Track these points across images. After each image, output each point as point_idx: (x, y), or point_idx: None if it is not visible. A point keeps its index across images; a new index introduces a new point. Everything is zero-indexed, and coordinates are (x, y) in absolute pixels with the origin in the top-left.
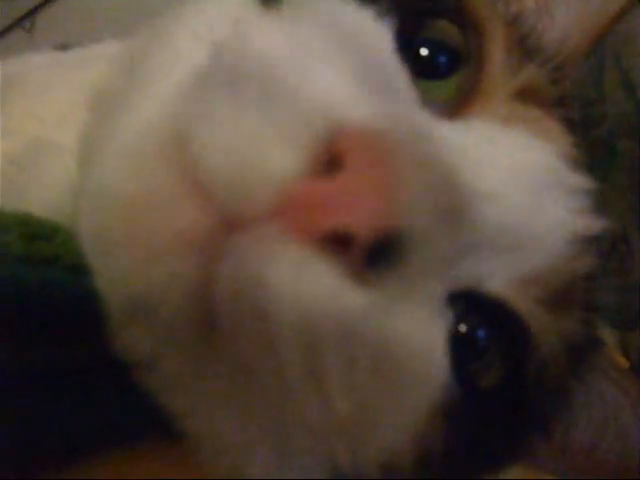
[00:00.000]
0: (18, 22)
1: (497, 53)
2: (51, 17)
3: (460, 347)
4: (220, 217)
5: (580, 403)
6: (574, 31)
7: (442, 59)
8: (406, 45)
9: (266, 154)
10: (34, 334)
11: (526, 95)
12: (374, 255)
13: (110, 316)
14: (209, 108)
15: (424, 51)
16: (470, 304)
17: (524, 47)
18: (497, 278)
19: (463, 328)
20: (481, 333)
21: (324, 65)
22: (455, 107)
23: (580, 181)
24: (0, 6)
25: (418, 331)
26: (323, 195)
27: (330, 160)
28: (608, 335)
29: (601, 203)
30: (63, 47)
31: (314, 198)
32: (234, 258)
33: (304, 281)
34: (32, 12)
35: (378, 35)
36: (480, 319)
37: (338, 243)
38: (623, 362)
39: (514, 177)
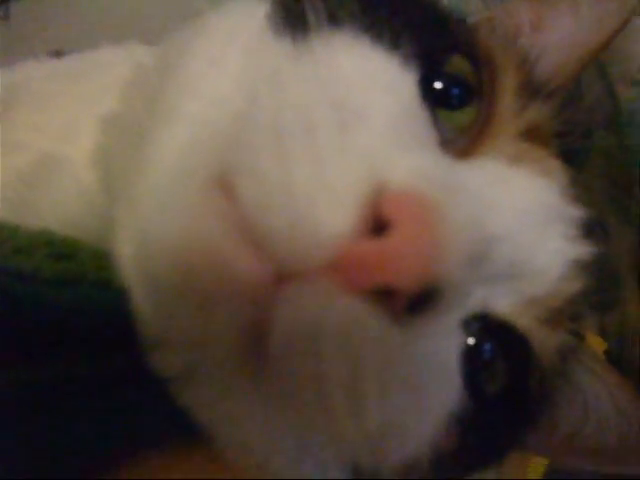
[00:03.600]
0: None
1: (509, 91)
2: (26, 4)
3: (470, 359)
4: (274, 269)
5: (562, 392)
6: (567, 55)
7: (455, 91)
8: (424, 80)
9: (319, 213)
10: (69, 351)
11: (530, 133)
12: (415, 303)
13: (147, 338)
14: (255, 156)
15: (438, 84)
16: (480, 325)
17: (530, 85)
18: (504, 303)
19: (471, 341)
20: (487, 346)
21: (361, 118)
22: (466, 146)
23: (576, 212)
24: None
25: (439, 353)
26: (372, 254)
27: (377, 219)
28: (587, 317)
29: (581, 192)
30: (58, 54)
31: (364, 256)
32: (291, 304)
33: (353, 325)
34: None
35: (404, 83)
36: (489, 338)
37: (384, 294)
38: (601, 343)
39: (522, 216)
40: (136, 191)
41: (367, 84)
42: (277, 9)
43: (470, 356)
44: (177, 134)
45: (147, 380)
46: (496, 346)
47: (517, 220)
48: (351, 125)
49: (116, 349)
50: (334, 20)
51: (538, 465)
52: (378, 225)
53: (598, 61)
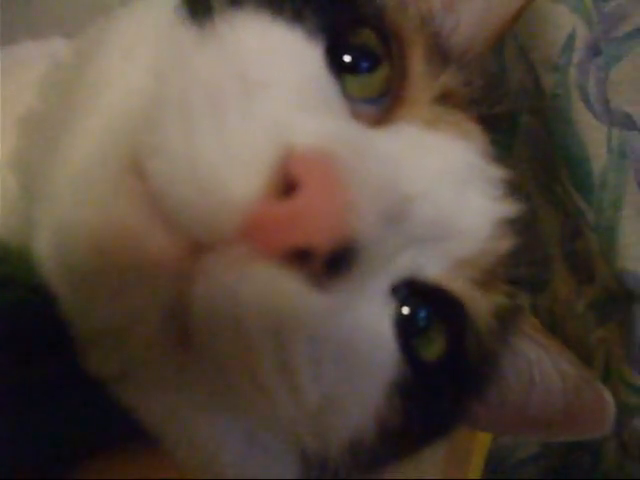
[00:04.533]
0: None
1: (418, 61)
2: None
3: (405, 327)
4: (187, 242)
5: (507, 364)
6: (479, 30)
7: (363, 63)
8: (332, 53)
9: (226, 181)
10: (5, 355)
11: (445, 99)
12: (331, 263)
13: (78, 337)
14: (163, 135)
15: (347, 58)
16: (411, 291)
17: (439, 52)
18: (432, 266)
19: (406, 310)
20: (422, 313)
21: (266, 88)
22: (381, 115)
23: (497, 172)
24: None
25: (369, 321)
26: (282, 215)
27: (286, 182)
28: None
29: (502, 154)
30: None
31: (274, 219)
32: (207, 278)
33: (272, 292)
34: None
35: (309, 54)
36: (421, 302)
37: (299, 257)
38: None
39: (440, 176)
40: (52, 186)
41: (270, 56)
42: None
43: (405, 324)
44: (91, 125)
45: (86, 383)
46: (430, 312)
47: (434, 180)
48: (255, 95)
49: (53, 353)
50: (236, 3)
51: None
52: (287, 188)
53: (521, 47)
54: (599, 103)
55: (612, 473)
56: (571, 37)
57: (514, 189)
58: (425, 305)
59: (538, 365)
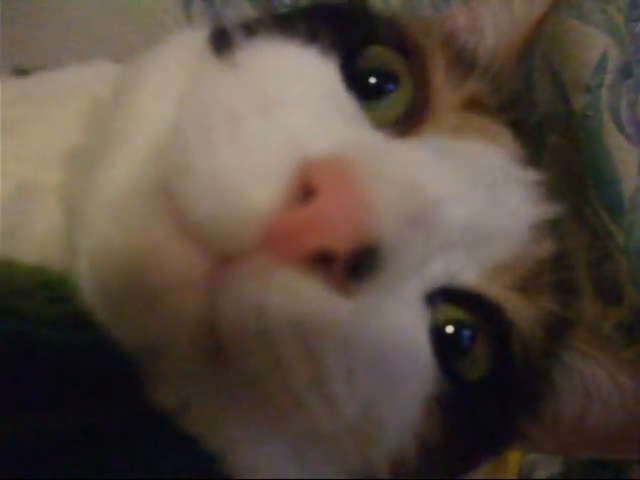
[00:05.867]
0: None
1: (438, 71)
2: None
3: (447, 346)
4: (213, 256)
5: (560, 379)
6: (503, 40)
7: (383, 82)
8: (352, 74)
9: (246, 192)
10: (81, 401)
11: (471, 106)
12: (355, 267)
13: (140, 371)
14: (188, 155)
15: (372, 80)
16: (447, 298)
17: (462, 63)
18: (469, 272)
19: (450, 329)
20: (466, 332)
21: (283, 105)
22: (407, 126)
23: (531, 175)
24: None
25: (402, 329)
26: (301, 221)
27: (303, 189)
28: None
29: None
30: (21, 72)
31: (294, 225)
32: (232, 290)
33: (296, 299)
34: None
35: (324, 69)
36: (460, 311)
37: (322, 262)
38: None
39: (471, 181)
40: (88, 214)
41: (286, 73)
42: (211, 35)
43: (447, 343)
44: (124, 155)
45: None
46: (473, 326)
47: (464, 185)
48: (272, 110)
49: (122, 394)
50: (252, 33)
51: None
52: (306, 195)
53: (551, 67)
54: (631, 125)
55: None
56: (603, 58)
57: (551, 191)
58: (466, 316)
59: (593, 379)
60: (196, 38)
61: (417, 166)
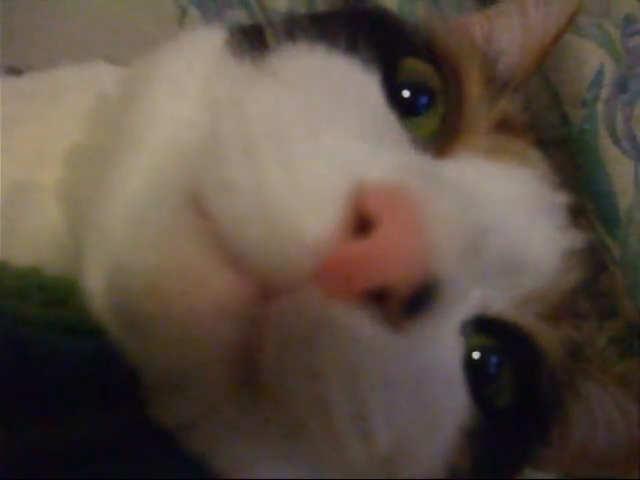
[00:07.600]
0: None
1: (473, 86)
2: None
3: (477, 373)
4: (257, 285)
5: (571, 402)
6: (522, 56)
7: (423, 100)
8: (391, 89)
9: (298, 219)
10: (72, 407)
11: (503, 126)
12: (411, 304)
13: (144, 384)
14: (228, 172)
15: (406, 93)
16: (480, 327)
17: (496, 79)
18: (501, 301)
19: (477, 355)
20: (493, 359)
21: (331, 122)
22: (441, 144)
23: (561, 199)
24: None
25: (441, 361)
26: (360, 255)
27: (360, 219)
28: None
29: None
30: (15, 71)
31: (351, 259)
32: (279, 323)
33: (349, 337)
34: None
35: (369, 84)
36: (491, 341)
37: (377, 298)
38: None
39: (509, 207)
40: (103, 220)
41: (331, 87)
42: (235, 34)
43: (476, 370)
44: (143, 158)
45: (155, 433)
46: (500, 353)
47: (504, 211)
48: (320, 128)
49: (118, 403)
50: (290, 37)
51: None
52: (363, 225)
53: (547, 81)
54: (627, 139)
55: None
56: (599, 73)
57: (578, 216)
58: (496, 347)
59: (599, 403)
60: (213, 36)
61: (466, 193)
